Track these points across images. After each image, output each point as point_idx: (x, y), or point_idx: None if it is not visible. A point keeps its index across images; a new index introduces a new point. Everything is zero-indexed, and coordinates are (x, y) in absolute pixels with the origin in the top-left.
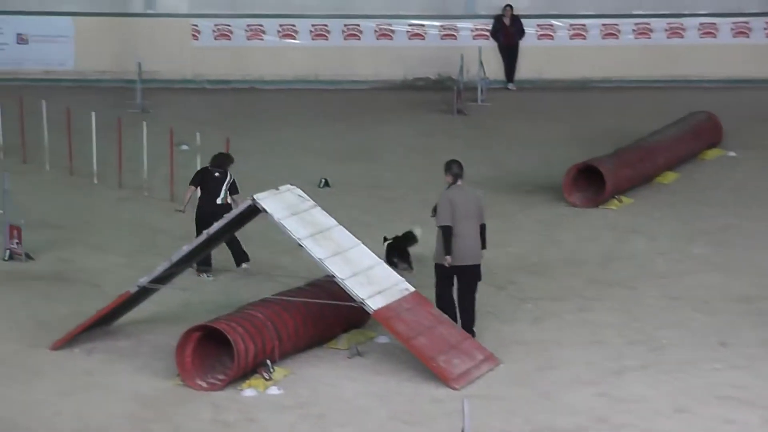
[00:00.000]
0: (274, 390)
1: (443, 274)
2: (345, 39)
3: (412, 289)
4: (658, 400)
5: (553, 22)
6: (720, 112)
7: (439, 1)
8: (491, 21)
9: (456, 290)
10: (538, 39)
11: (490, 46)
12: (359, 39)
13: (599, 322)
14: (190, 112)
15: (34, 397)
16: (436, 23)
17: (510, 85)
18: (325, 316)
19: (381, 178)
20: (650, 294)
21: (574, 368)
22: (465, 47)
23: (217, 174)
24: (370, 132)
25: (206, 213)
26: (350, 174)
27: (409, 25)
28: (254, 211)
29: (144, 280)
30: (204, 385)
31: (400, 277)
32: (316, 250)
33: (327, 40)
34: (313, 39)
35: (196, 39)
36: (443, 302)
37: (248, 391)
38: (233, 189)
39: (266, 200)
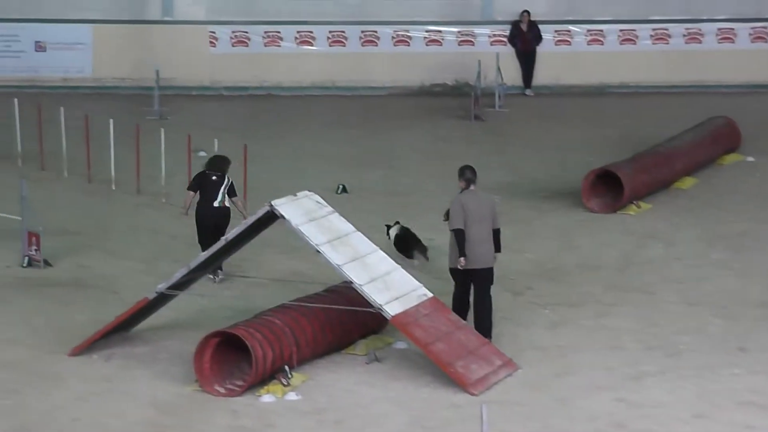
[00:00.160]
0: (292, 396)
1: (457, 279)
2: (362, 45)
3: (430, 294)
4: (677, 405)
5: (571, 27)
6: (738, 117)
7: (457, 7)
8: (508, 27)
9: (472, 295)
10: (556, 45)
11: (508, 51)
12: (376, 45)
13: (617, 327)
14: (208, 119)
15: (53, 403)
16: (454, 29)
17: (527, 91)
18: (343, 322)
19: (398, 184)
20: (668, 299)
21: (592, 374)
22: (482, 53)
23: (214, 177)
24: (387, 138)
25: (204, 216)
26: (368, 180)
27: (427, 31)
28: (272, 217)
29: (162, 287)
30: (222, 391)
31: (417, 282)
32: (334, 256)
33: (344, 46)
34: (330, 45)
35: (214, 46)
36: (458, 306)
37: (266, 396)
38: (231, 192)
39: (284, 206)
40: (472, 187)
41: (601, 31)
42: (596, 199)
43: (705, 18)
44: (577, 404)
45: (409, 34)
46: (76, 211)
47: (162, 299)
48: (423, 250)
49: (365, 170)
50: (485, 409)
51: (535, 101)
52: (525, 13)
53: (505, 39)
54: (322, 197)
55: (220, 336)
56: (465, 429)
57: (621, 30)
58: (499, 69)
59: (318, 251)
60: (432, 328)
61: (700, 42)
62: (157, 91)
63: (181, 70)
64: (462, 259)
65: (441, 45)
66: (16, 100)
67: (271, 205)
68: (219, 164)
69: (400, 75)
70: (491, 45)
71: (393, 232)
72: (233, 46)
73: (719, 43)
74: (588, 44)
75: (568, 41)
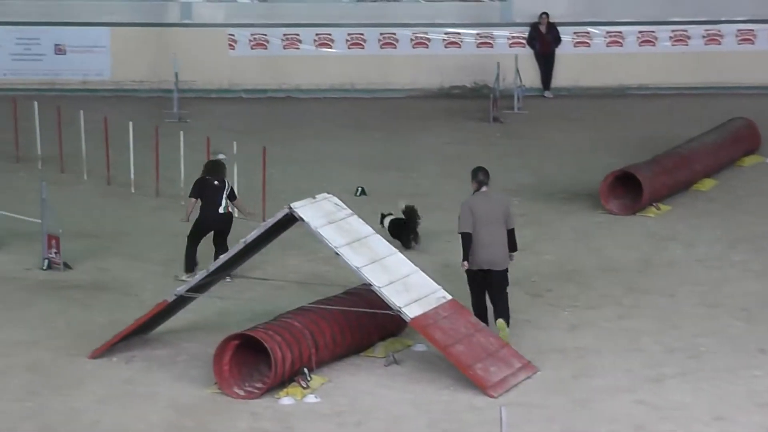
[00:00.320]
0: (311, 398)
1: (472, 280)
2: (381, 48)
3: (449, 297)
4: (697, 407)
5: (590, 29)
6: (758, 118)
7: (475, 9)
8: (527, 29)
9: (488, 295)
10: (575, 46)
11: (527, 53)
12: (395, 48)
13: (637, 329)
14: (227, 122)
15: (73, 406)
16: (473, 31)
17: (546, 93)
18: (362, 325)
19: (417, 186)
20: (688, 301)
21: (612, 376)
22: (501, 55)
23: (216, 183)
24: (406, 140)
25: (210, 222)
26: (386, 182)
27: (445, 33)
28: (291, 219)
29: (182, 289)
30: (241, 393)
31: (437, 285)
32: (353, 258)
33: (363, 48)
34: (349, 48)
35: (233, 48)
36: (477, 312)
37: (286, 399)
38: (232, 196)
39: (303, 209)
40: (484, 189)
41: (620, 32)
42: (615, 200)
43: (724, 19)
44: (597, 406)
45: (428, 36)
46: (95, 214)
47: (181, 302)
48: (416, 237)
49: (384, 172)
50: (505, 411)
51: (554, 103)
52: (544, 15)
53: (524, 41)
54: (341, 199)
55: (239, 338)
56: (484, 431)
57: (640, 31)
58: (517, 71)
59: (337, 254)
60: (451, 331)
61: (720, 43)
62: (176, 93)
63: (200, 73)
64: (465, 262)
65: (460, 47)
66: (36, 103)
67: (291, 208)
68: (218, 169)
69: (418, 77)
70: (510, 47)
71: (387, 221)
72: (252, 48)
73: (739, 44)
74: (607, 46)
75: (587, 43)
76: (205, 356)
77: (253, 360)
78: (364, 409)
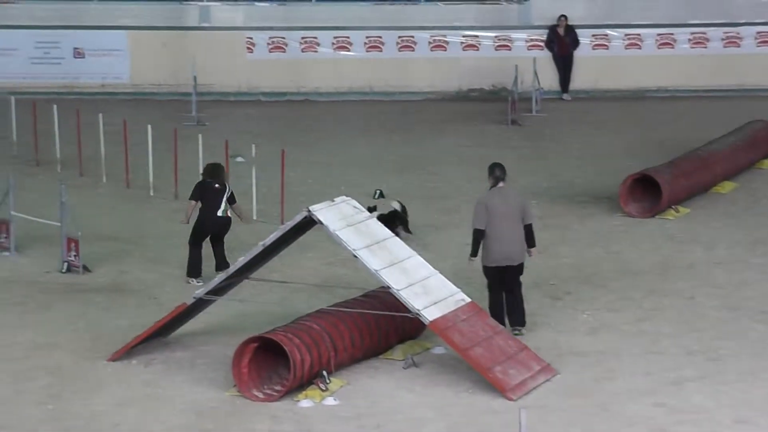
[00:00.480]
0: (330, 401)
1: (489, 275)
2: (399, 50)
3: (468, 299)
4: (718, 410)
5: (608, 32)
6: None
7: (494, 12)
8: (546, 31)
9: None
10: (593, 49)
11: (545, 56)
12: (413, 50)
13: (657, 332)
14: (246, 125)
15: (93, 409)
16: (491, 34)
17: (565, 96)
18: (381, 327)
19: (436, 189)
20: (709, 304)
21: (632, 379)
22: (519, 58)
23: (216, 186)
24: (424, 143)
25: (208, 225)
26: (405, 185)
27: (464, 36)
28: (310, 222)
29: (200, 292)
30: (261, 396)
31: (456, 288)
32: (372, 261)
33: (381, 51)
34: (367, 51)
35: (251, 52)
36: (495, 312)
37: (305, 401)
38: (232, 199)
39: (321, 211)
40: (500, 184)
41: (639, 35)
42: (634, 203)
43: (743, 22)
44: (617, 409)
45: (446, 39)
46: (114, 217)
47: (200, 304)
48: (405, 225)
49: (402, 175)
50: (524, 414)
51: (573, 106)
52: (562, 18)
53: (542, 43)
54: (359, 202)
55: (258, 341)
56: None
57: (659, 34)
58: (536, 73)
59: (355, 256)
60: (470, 333)
61: (739, 46)
62: (195, 96)
63: (219, 76)
64: (473, 258)
65: (478, 50)
66: (55, 106)
67: (309, 211)
68: (218, 173)
69: (437, 80)
70: (528, 50)
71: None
72: (270, 51)
73: (758, 46)
74: (626, 48)
75: (605, 45)
76: (224, 359)
77: (272, 363)
78: (383, 411)
